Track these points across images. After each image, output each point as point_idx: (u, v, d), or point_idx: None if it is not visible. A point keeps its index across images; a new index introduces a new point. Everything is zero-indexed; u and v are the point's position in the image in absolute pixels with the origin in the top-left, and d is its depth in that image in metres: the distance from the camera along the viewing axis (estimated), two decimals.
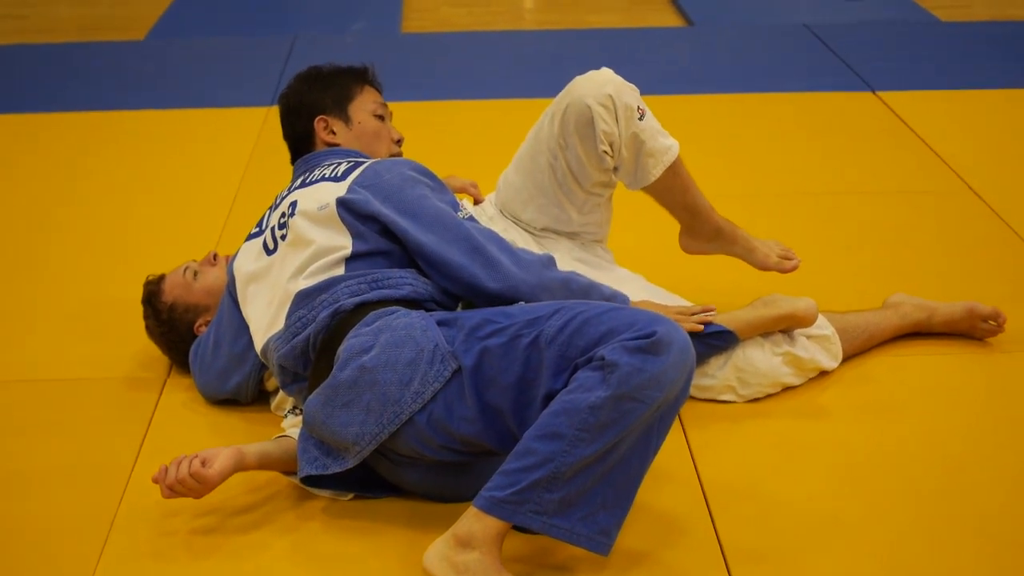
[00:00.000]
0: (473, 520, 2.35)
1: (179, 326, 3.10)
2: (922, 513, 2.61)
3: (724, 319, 2.97)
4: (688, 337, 2.39)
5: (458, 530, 2.35)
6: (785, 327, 3.01)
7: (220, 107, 5.12)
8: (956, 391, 3.05)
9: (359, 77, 3.11)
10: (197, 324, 3.09)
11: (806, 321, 3.01)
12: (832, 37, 6.07)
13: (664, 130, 3.07)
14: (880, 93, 5.19)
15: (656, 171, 3.06)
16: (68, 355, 3.28)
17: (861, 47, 5.91)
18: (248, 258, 2.88)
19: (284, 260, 2.76)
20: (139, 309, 3.16)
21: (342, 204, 2.71)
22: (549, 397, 2.38)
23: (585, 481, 2.32)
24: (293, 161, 3.06)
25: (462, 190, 3.24)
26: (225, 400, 3.02)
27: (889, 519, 2.58)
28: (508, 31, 6.68)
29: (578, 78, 3.03)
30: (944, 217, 4.02)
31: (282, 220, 2.81)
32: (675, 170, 3.09)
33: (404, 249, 2.72)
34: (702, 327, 2.90)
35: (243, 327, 2.89)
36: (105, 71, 5.83)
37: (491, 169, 3.33)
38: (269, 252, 2.82)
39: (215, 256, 3.16)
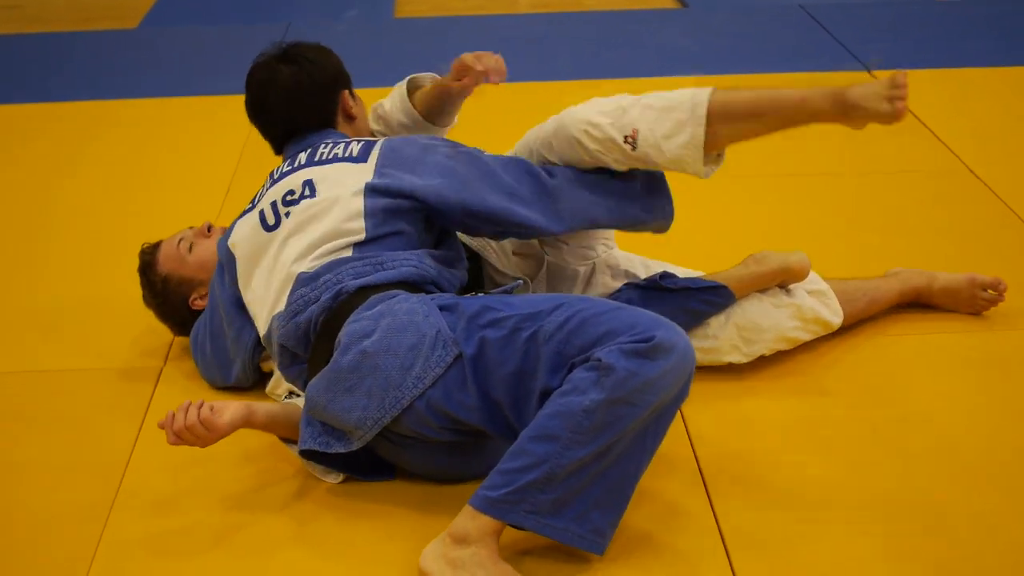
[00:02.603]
0: (468, 519, 2.35)
1: (173, 299, 3.10)
2: (921, 495, 2.60)
3: (718, 277, 2.98)
4: (689, 341, 2.39)
5: (453, 529, 2.36)
6: (779, 282, 3.01)
7: (214, 95, 5.11)
8: (956, 371, 3.04)
9: None
10: (192, 298, 3.09)
11: (800, 274, 3.01)
12: (828, 17, 6.05)
13: (669, 132, 2.83)
14: (876, 73, 5.18)
15: (695, 164, 2.84)
16: (64, 345, 3.28)
17: (857, 27, 5.90)
18: (243, 235, 2.83)
19: (288, 239, 2.73)
20: (135, 299, 3.16)
21: (372, 189, 2.71)
22: (545, 393, 2.38)
23: (579, 482, 2.32)
24: (279, 143, 3.00)
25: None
26: (217, 386, 3.02)
27: (889, 501, 2.58)
28: (503, 15, 6.67)
29: (564, 116, 2.91)
30: (941, 196, 4.01)
31: (289, 197, 2.76)
32: (722, 118, 2.81)
33: (422, 227, 2.74)
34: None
35: (234, 312, 2.88)
36: (98, 60, 5.82)
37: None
38: (268, 227, 2.78)
39: (209, 228, 3.14)
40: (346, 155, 2.80)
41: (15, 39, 6.26)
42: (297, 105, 2.96)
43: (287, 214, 2.76)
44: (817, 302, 3.05)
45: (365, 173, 2.75)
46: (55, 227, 4.01)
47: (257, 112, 3.02)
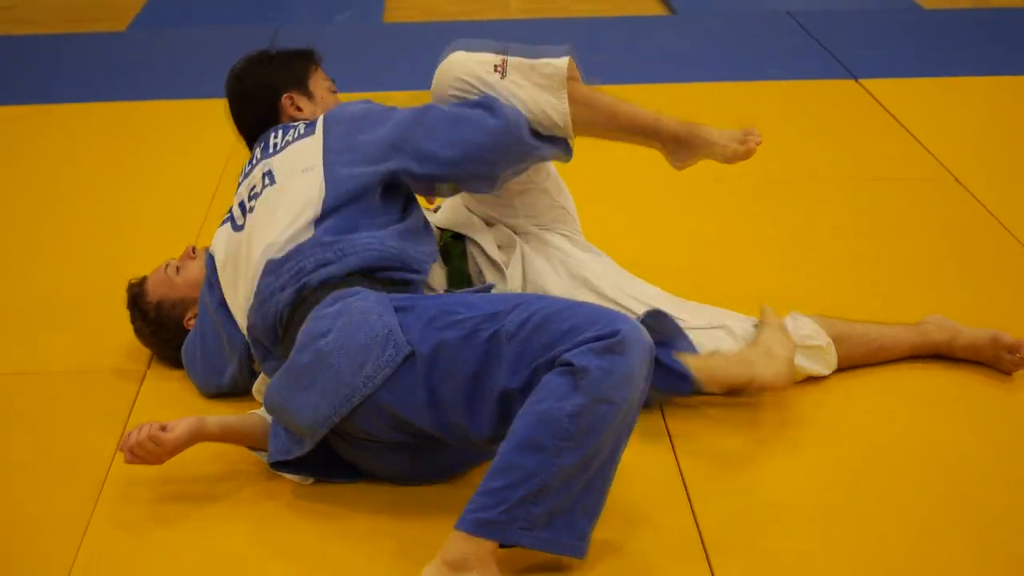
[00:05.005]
0: (464, 543, 2.31)
1: (168, 323, 3.10)
2: (905, 504, 2.61)
3: (696, 364, 2.78)
4: (648, 336, 2.38)
5: (449, 555, 2.31)
6: (748, 389, 2.81)
7: (202, 98, 5.11)
8: (948, 389, 3.01)
9: (308, 58, 3.12)
10: (186, 318, 3.09)
11: (771, 388, 2.83)
12: (815, 25, 6.07)
13: (536, 63, 2.89)
14: (863, 81, 5.20)
15: (558, 96, 2.87)
16: (47, 348, 3.28)
17: (844, 35, 5.92)
18: (220, 242, 2.89)
19: (253, 232, 2.76)
20: (120, 301, 3.15)
21: (328, 151, 2.76)
22: (505, 394, 2.38)
23: (571, 491, 2.32)
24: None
25: None
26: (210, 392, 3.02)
27: (871, 510, 2.58)
28: (493, 20, 6.68)
29: (436, 72, 2.95)
30: (926, 204, 4.02)
31: (253, 191, 2.82)
32: (583, 103, 2.90)
33: (381, 191, 2.75)
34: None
35: (224, 314, 2.89)
36: (86, 62, 5.81)
37: None
38: (238, 228, 2.83)
39: (193, 250, 3.16)
40: (297, 136, 2.85)
41: (4, 40, 6.25)
42: (244, 111, 3.08)
43: (251, 208, 2.80)
44: (806, 359, 2.95)
45: (316, 143, 2.79)
46: (41, 228, 4.01)
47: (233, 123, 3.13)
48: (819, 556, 2.46)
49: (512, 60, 2.89)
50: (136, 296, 3.13)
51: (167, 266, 3.13)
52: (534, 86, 2.86)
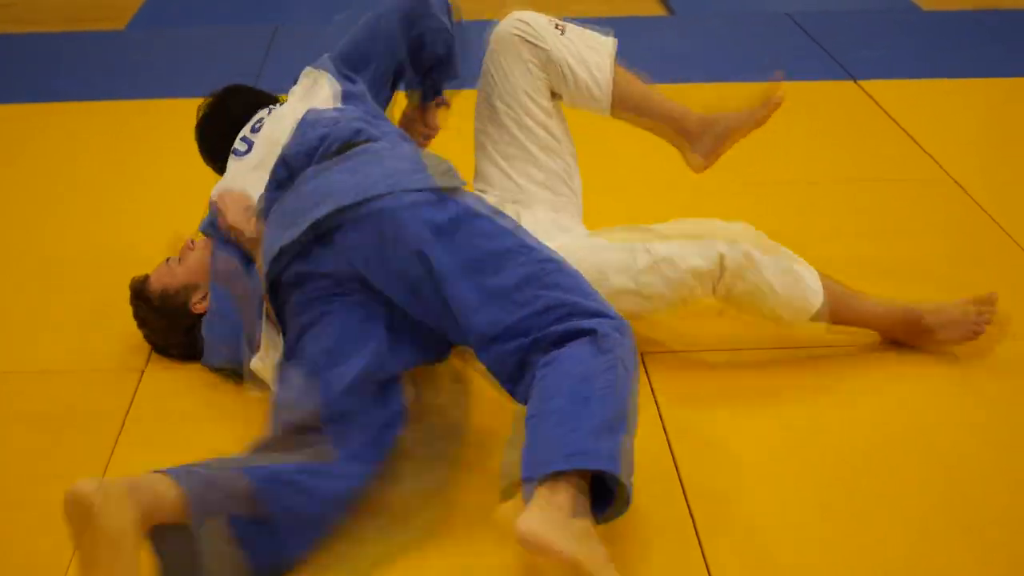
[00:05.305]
0: (564, 484, 2.27)
1: (171, 307, 3.12)
2: (905, 504, 2.62)
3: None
4: None
5: (555, 497, 2.26)
6: None
7: (201, 98, 5.10)
8: (947, 388, 3.03)
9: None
10: (193, 302, 3.10)
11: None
12: (814, 26, 6.07)
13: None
14: (861, 82, 5.20)
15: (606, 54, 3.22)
16: (47, 347, 3.28)
17: (843, 36, 5.91)
18: (221, 180, 3.07)
19: (264, 138, 2.92)
20: (119, 300, 3.16)
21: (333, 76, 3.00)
22: (495, 291, 2.47)
23: (618, 436, 2.36)
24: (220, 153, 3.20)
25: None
26: (206, 388, 3.02)
27: (871, 510, 2.60)
28: (492, 20, 6.66)
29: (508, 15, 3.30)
30: (924, 205, 4.03)
31: (258, 124, 3.00)
32: (624, 79, 3.24)
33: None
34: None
35: (245, 265, 2.94)
36: (86, 61, 5.81)
37: (473, 158, 3.33)
38: (240, 154, 2.97)
39: (192, 242, 3.17)
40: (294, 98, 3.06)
41: (3, 39, 6.24)
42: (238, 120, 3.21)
43: (257, 129, 2.98)
44: (791, 267, 3.06)
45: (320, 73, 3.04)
46: (40, 228, 4.01)
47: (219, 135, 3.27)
48: (819, 555, 2.47)
49: (570, 25, 3.28)
50: (138, 288, 3.15)
51: (167, 261, 3.15)
52: (586, 47, 3.23)
